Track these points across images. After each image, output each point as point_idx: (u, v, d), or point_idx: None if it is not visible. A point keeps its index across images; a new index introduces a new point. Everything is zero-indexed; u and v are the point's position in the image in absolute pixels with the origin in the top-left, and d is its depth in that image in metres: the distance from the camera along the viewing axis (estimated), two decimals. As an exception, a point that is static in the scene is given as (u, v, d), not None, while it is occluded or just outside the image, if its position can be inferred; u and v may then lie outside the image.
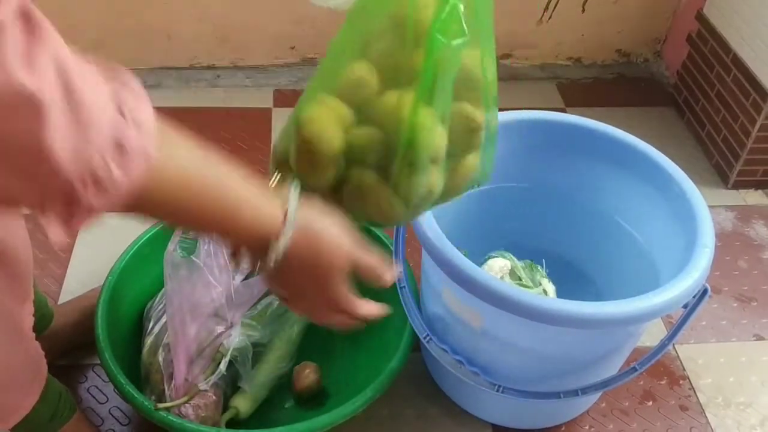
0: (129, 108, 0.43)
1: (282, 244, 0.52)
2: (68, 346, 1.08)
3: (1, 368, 0.75)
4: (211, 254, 0.97)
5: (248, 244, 0.54)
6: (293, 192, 0.53)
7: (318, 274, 0.55)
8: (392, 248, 1.00)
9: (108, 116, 0.41)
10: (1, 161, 0.39)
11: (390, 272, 0.59)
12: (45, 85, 0.38)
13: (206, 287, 0.96)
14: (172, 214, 0.49)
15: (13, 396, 0.78)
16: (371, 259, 0.58)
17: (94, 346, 0.95)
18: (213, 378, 0.94)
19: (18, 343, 0.79)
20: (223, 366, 0.94)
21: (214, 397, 0.95)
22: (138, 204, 0.45)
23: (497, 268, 1.06)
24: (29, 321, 0.81)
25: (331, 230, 0.55)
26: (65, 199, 0.41)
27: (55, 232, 0.43)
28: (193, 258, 0.96)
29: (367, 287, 1.18)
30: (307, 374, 1.04)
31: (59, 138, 0.38)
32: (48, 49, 0.38)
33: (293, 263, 0.53)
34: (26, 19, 0.38)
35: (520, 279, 1.07)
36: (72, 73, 0.39)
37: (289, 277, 0.54)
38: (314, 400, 1.05)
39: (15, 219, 0.75)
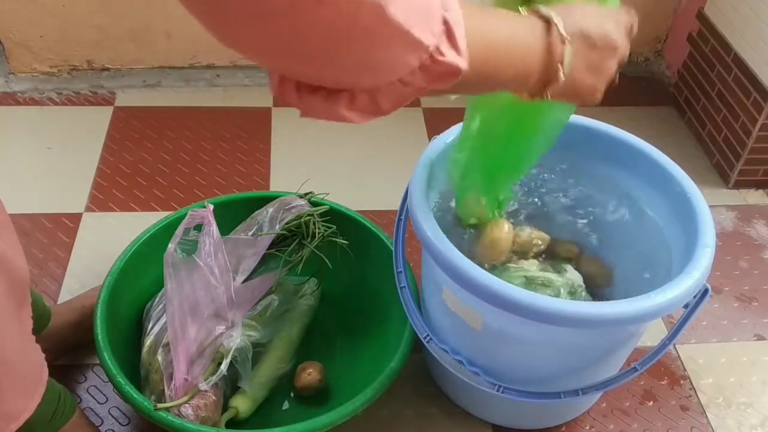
0: None
1: (568, 58, 0.59)
2: (67, 346, 1.08)
3: (8, 373, 0.75)
4: (212, 254, 0.96)
5: (536, 76, 0.60)
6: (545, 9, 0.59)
7: (600, 58, 0.63)
8: (392, 248, 1.00)
9: None
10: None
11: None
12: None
13: (206, 287, 0.95)
14: (480, 71, 0.54)
15: (19, 402, 0.78)
16: (628, 18, 0.66)
17: (94, 346, 0.95)
18: (213, 378, 0.94)
19: (23, 345, 0.79)
20: (224, 366, 0.94)
21: (213, 398, 0.95)
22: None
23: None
24: (29, 324, 0.81)
25: (589, 17, 0.61)
26: (430, 59, 0.49)
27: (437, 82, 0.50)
28: (194, 258, 0.96)
29: (366, 283, 1.17)
30: (310, 372, 1.04)
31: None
32: None
33: (577, 64, 0.61)
34: None
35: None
36: None
37: (576, 76, 0.62)
38: (313, 399, 1.05)
39: (7, 226, 0.76)
